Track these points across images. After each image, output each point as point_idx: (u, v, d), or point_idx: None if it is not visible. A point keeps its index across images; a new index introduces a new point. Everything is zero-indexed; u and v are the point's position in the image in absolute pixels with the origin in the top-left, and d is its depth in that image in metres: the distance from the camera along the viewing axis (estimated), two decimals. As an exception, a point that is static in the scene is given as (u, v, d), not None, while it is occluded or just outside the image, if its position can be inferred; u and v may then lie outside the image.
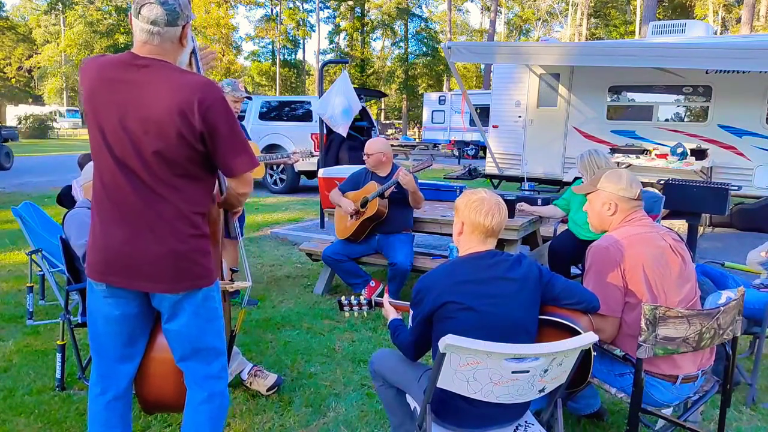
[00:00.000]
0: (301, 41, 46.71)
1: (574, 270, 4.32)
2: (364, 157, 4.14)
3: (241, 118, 10.80)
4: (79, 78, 1.77)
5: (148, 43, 1.69)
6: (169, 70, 1.69)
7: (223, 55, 40.64)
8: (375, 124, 11.51)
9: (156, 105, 1.64)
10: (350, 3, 42.04)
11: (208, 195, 1.84)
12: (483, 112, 13.56)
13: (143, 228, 1.71)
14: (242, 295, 3.73)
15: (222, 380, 1.94)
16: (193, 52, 2.05)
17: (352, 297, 2.42)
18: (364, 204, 4.01)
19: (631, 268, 2.07)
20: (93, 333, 1.87)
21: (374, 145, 4.12)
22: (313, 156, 4.18)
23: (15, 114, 31.76)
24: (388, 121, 41.66)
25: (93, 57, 1.76)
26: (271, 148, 10.53)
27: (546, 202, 4.39)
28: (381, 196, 3.93)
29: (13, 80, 44.85)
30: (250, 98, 3.91)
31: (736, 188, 5.01)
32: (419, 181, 4.23)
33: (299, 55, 48.41)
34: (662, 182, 4.82)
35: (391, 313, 2.18)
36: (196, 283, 1.79)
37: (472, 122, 19.07)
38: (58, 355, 2.81)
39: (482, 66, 33.08)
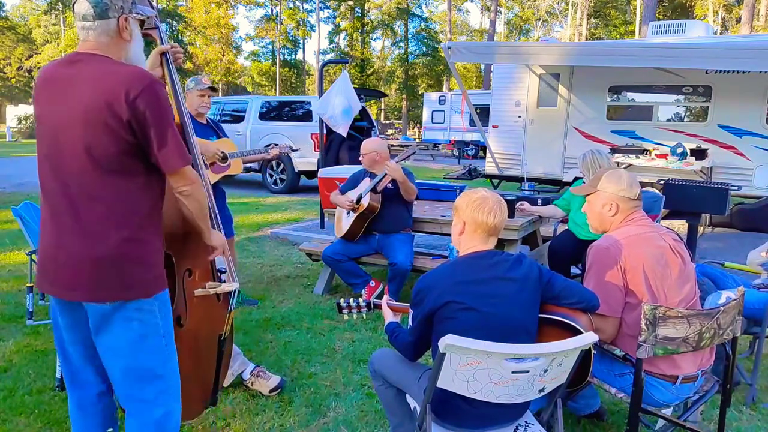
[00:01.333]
0: (301, 41, 46.72)
1: (574, 270, 4.32)
2: (360, 157, 4.17)
3: (239, 118, 10.82)
4: None
5: (86, 40, 1.66)
6: (101, 62, 1.62)
7: (223, 55, 40.63)
8: (375, 124, 11.52)
9: (83, 97, 1.57)
10: (350, 3, 42.02)
11: (148, 196, 1.70)
12: (483, 112, 13.54)
13: (69, 229, 1.63)
14: (239, 296, 3.72)
15: (158, 407, 1.76)
16: (164, 54, 2.02)
17: (351, 299, 2.41)
18: (357, 200, 4.02)
19: (631, 268, 2.07)
20: (57, 340, 1.83)
21: (368, 145, 4.15)
22: (293, 150, 4.13)
23: (15, 114, 31.71)
24: (388, 121, 41.67)
25: (48, 62, 1.72)
26: (271, 149, 10.53)
27: (546, 202, 4.39)
28: (373, 191, 3.95)
29: (13, 80, 44.84)
30: (214, 89, 3.80)
31: (736, 188, 5.00)
32: (419, 180, 4.24)
33: (299, 55, 48.43)
34: (662, 182, 4.82)
35: (387, 316, 2.18)
36: (119, 294, 1.65)
37: (472, 122, 19.05)
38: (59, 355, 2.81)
39: (482, 66, 33.07)
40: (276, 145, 4.05)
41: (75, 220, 1.62)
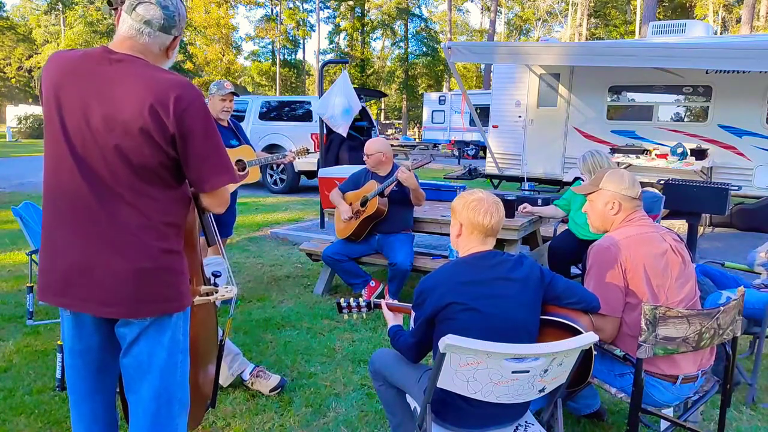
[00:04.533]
0: (301, 41, 46.77)
1: (574, 270, 4.32)
2: (364, 158, 4.14)
3: (240, 118, 10.82)
4: (42, 72, 1.58)
5: (132, 39, 1.55)
6: (146, 66, 1.54)
7: (223, 55, 40.66)
8: (375, 124, 11.52)
9: (125, 100, 1.47)
10: (350, 3, 42.03)
11: (183, 204, 1.66)
12: (483, 112, 13.56)
13: (103, 239, 1.52)
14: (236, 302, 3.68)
15: (171, 423, 1.71)
16: None
17: (351, 299, 2.41)
18: (364, 203, 4.01)
19: (631, 268, 2.07)
20: (66, 360, 1.74)
21: (374, 145, 4.12)
22: (309, 152, 4.17)
23: (15, 114, 31.69)
24: (388, 121, 41.67)
25: (61, 51, 1.61)
26: (271, 148, 10.55)
27: (546, 202, 4.39)
28: (381, 194, 3.93)
29: (13, 80, 44.86)
30: (236, 95, 3.87)
31: (736, 188, 5.00)
32: (419, 180, 4.23)
33: (299, 55, 48.49)
34: (662, 182, 4.82)
35: (390, 319, 2.18)
36: (162, 307, 1.60)
37: (472, 122, 19.07)
38: (58, 355, 2.81)
39: (482, 66, 33.08)
40: (291, 151, 4.14)
41: (108, 226, 1.53)
